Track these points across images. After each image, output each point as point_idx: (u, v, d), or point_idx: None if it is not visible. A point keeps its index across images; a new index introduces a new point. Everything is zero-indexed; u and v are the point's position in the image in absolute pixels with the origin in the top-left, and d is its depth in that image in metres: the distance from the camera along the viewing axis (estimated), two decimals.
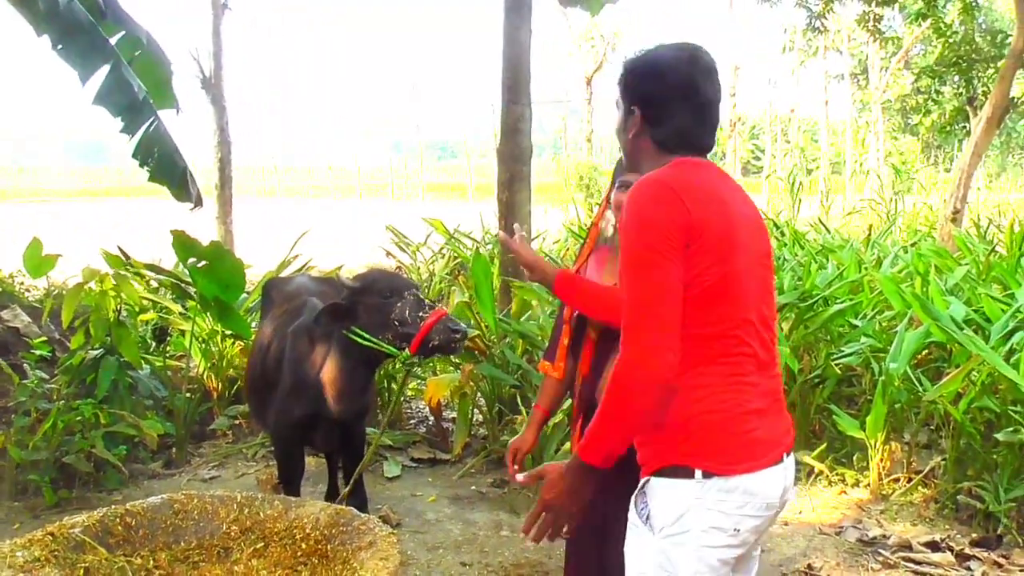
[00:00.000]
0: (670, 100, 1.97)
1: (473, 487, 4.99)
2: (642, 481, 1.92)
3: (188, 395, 5.58)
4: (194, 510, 2.88)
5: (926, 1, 10.49)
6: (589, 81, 19.65)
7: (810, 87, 30.51)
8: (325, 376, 3.44)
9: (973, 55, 10.00)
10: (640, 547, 1.92)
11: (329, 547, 2.77)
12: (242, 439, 5.76)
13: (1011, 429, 4.21)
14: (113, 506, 2.81)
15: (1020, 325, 4.66)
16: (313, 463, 4.78)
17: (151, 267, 5.99)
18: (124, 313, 5.21)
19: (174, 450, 5.36)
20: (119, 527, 2.73)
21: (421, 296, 3.33)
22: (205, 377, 5.86)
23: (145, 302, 5.87)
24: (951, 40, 10.12)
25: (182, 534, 2.84)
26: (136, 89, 4.94)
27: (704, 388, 1.85)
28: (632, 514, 1.94)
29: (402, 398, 4.95)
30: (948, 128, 12.33)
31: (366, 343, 3.28)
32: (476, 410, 5.47)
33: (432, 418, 5.77)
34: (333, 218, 20.93)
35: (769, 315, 1.97)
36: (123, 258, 6.13)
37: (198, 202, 5.40)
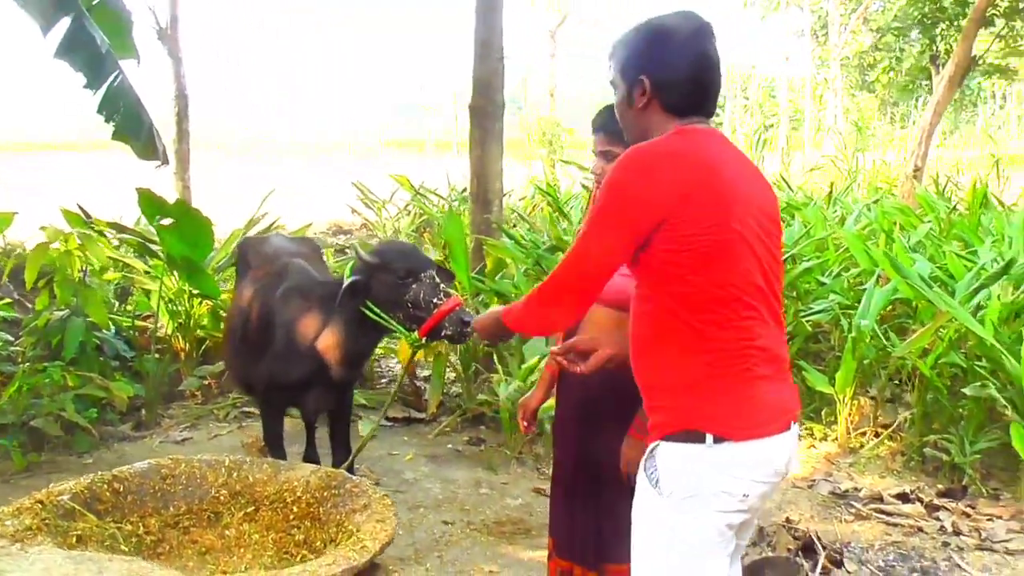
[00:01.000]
0: (679, 64, 1.96)
1: (450, 445, 5.00)
2: (652, 445, 1.92)
3: (156, 356, 5.50)
4: (182, 475, 2.85)
5: None
6: (552, 35, 19.46)
7: (770, 43, 30.50)
8: (327, 340, 3.37)
9: (937, 13, 10.05)
10: (648, 510, 1.93)
11: (321, 510, 2.76)
12: (211, 400, 5.69)
13: (979, 384, 4.31)
14: (100, 472, 2.77)
15: (985, 283, 4.74)
16: (288, 424, 4.75)
17: (114, 225, 5.85)
18: (89, 273, 5.10)
19: (144, 412, 5.29)
20: (107, 493, 2.70)
21: (438, 279, 3.26)
22: (172, 338, 5.77)
23: (108, 261, 5.74)
24: None
25: (171, 499, 2.81)
26: (99, 41, 4.76)
27: (713, 352, 1.86)
28: (641, 477, 1.95)
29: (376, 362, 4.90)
30: (910, 86, 12.43)
31: (376, 318, 3.24)
32: (450, 368, 5.47)
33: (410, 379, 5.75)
34: (292, 175, 20.61)
35: (777, 281, 1.97)
36: (83, 217, 5.98)
37: (164, 159, 5.24)
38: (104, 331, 5.19)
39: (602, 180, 2.55)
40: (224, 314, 5.75)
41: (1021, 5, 10.04)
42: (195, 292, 5.56)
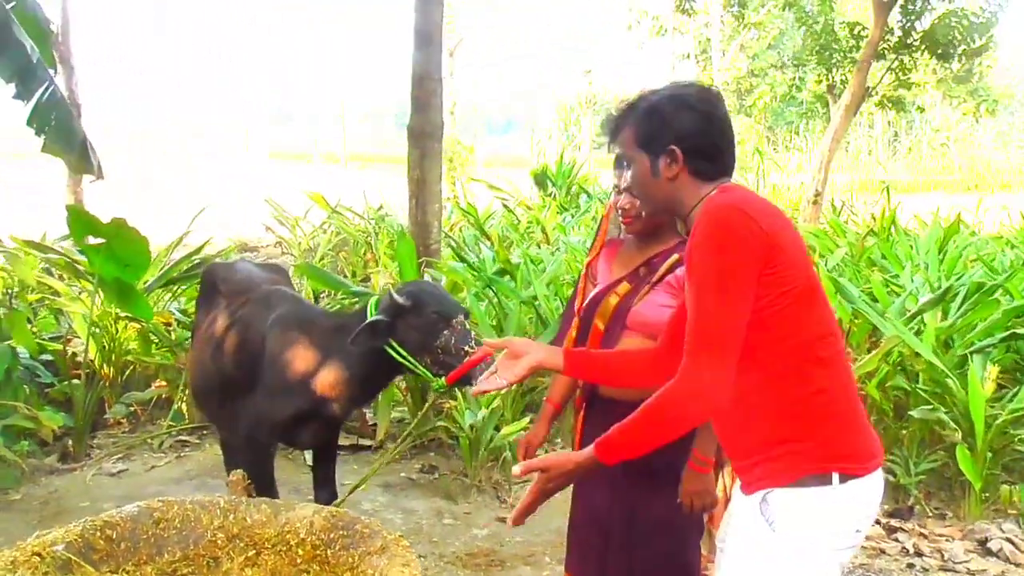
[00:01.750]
0: (703, 130, 1.98)
1: (402, 474, 4.88)
2: (762, 492, 1.89)
3: (79, 382, 5.17)
4: (175, 518, 2.66)
5: None
6: (452, 54, 19.45)
7: (657, 67, 31.36)
8: (331, 376, 3.19)
9: (833, 45, 10.53)
10: (758, 553, 1.90)
11: (329, 553, 2.62)
12: (140, 428, 5.41)
13: (929, 407, 4.49)
14: (90, 518, 2.55)
15: (924, 308, 4.94)
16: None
17: (34, 244, 5.49)
18: (14, 296, 4.76)
19: (71, 442, 4.96)
20: (100, 541, 2.49)
21: (468, 327, 3.15)
22: (97, 363, 5.44)
23: (35, 282, 5.38)
24: (813, 29, 10.63)
25: (164, 544, 2.62)
26: (29, 50, 4.48)
27: (825, 393, 1.86)
28: (748, 522, 1.92)
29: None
30: (807, 112, 12.98)
31: (402, 360, 3.11)
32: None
33: None
34: (180, 183, 19.88)
35: None
36: None
37: (99, 173, 4.96)
38: (28, 356, 4.85)
39: (631, 215, 2.54)
40: (154, 337, 5.51)
41: (909, 40, 10.61)
42: (123, 314, 5.27)
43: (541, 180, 12.91)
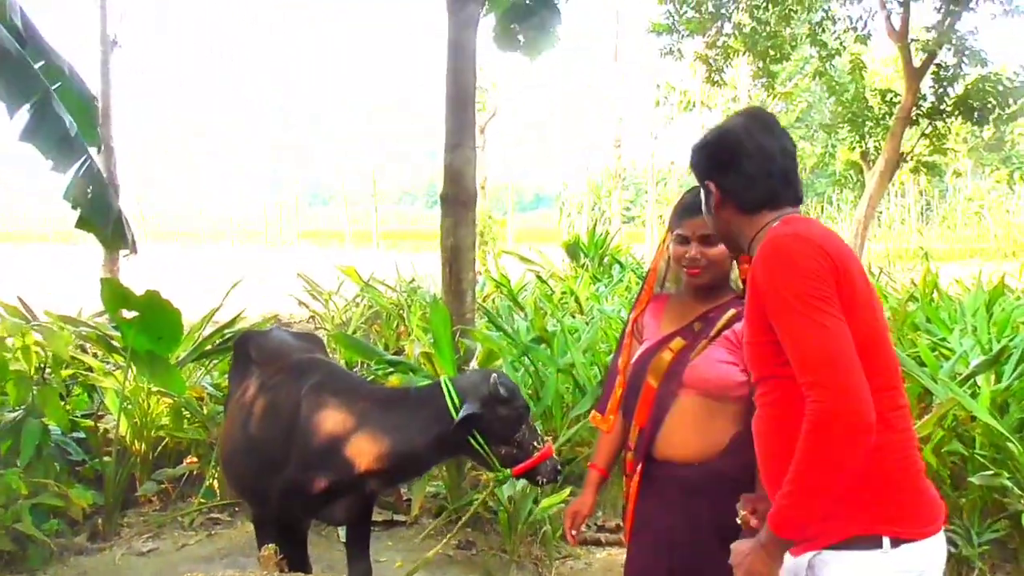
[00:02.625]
0: (734, 162, 1.95)
1: (440, 550, 4.70)
2: (808, 555, 1.75)
3: (109, 459, 5.08)
4: None
5: (821, 59, 11.02)
6: (482, 130, 19.71)
7: (688, 141, 31.52)
8: (376, 449, 3.04)
9: (865, 112, 10.49)
10: None
11: None
12: (170, 506, 5.29)
13: (991, 473, 4.27)
14: None
15: (977, 370, 4.76)
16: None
17: (68, 319, 5.47)
18: (48, 370, 4.72)
19: (100, 520, 4.85)
20: None
21: (533, 422, 3.24)
22: (128, 439, 5.36)
23: (69, 357, 5.34)
24: (844, 98, 10.61)
25: None
26: (68, 124, 4.52)
27: (882, 448, 1.71)
28: None
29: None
30: (842, 180, 12.92)
31: (477, 448, 3.09)
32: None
33: None
34: (212, 264, 20.12)
35: None
36: (23, 311, 5.60)
37: (133, 248, 4.96)
38: (59, 432, 4.78)
39: (699, 265, 2.41)
40: (186, 412, 5.43)
41: (943, 106, 10.55)
42: (155, 389, 5.21)
43: (573, 251, 12.86)
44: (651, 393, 2.44)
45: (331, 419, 3.11)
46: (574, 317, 8.30)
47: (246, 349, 3.70)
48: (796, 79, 27.79)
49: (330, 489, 3.13)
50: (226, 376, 4.67)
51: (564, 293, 9.48)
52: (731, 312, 2.39)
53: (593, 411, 2.70)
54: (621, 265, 12.50)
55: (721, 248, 2.31)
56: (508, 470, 3.14)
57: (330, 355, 4.49)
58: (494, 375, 3.15)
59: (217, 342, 5.80)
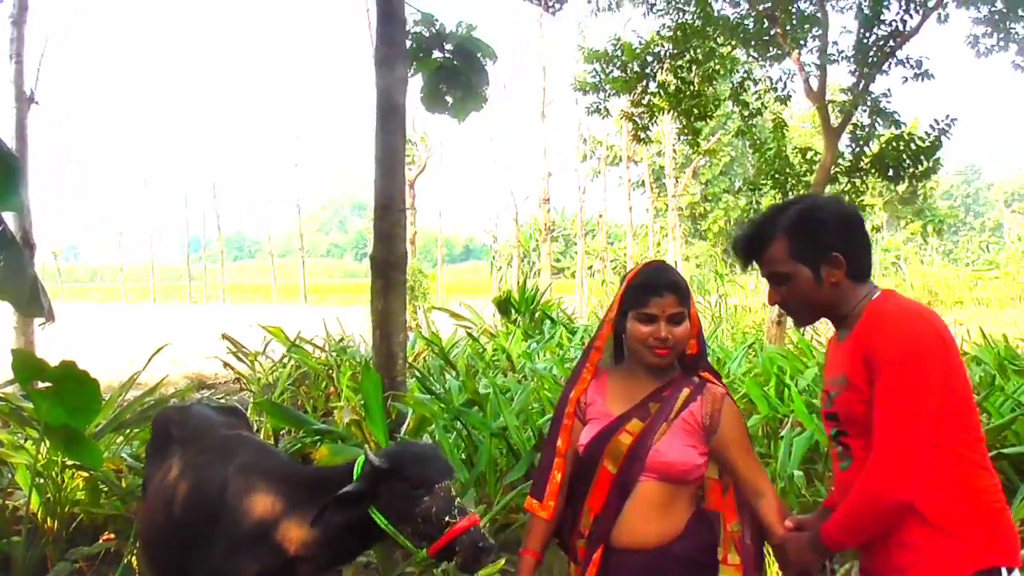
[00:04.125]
0: (856, 235, 2.19)
1: None
2: None
3: (19, 539, 4.81)
4: None
5: (743, 118, 11.32)
6: (412, 184, 19.72)
7: (615, 193, 32.14)
8: (303, 534, 2.88)
9: (787, 169, 10.78)
10: None
11: None
12: None
13: None
14: None
15: None
16: None
17: None
18: None
19: None
20: None
21: (453, 492, 2.83)
22: (40, 516, 5.09)
23: None
24: (767, 155, 10.90)
25: None
26: None
27: (987, 490, 2.03)
28: None
29: None
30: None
31: (385, 527, 2.82)
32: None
33: None
34: (134, 324, 19.58)
35: None
36: None
37: (50, 316, 4.74)
38: None
39: (667, 346, 2.36)
40: (104, 486, 5.19)
41: (860, 164, 10.90)
42: (70, 462, 4.97)
43: (504, 307, 12.85)
44: (608, 478, 2.37)
45: (260, 503, 2.96)
46: (506, 375, 8.26)
47: (166, 427, 3.54)
48: (719, 134, 28.59)
49: (262, 572, 2.97)
50: (146, 447, 4.48)
51: (495, 350, 9.44)
52: (685, 392, 2.37)
53: (528, 497, 2.55)
54: (552, 320, 12.52)
55: (686, 327, 2.36)
56: (423, 551, 2.82)
57: (254, 424, 4.33)
58: (368, 450, 2.92)
59: (138, 410, 5.60)
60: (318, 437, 5.05)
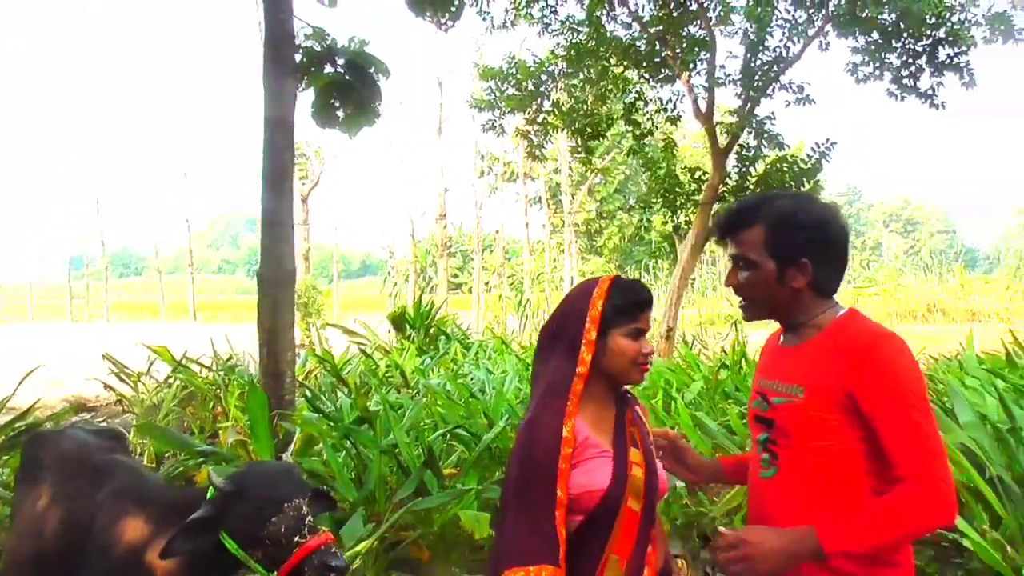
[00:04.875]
0: (833, 247, 2.11)
1: None
2: None
3: None
4: None
5: (635, 137, 11.59)
6: (305, 199, 19.42)
7: (512, 209, 32.39)
8: (168, 562, 2.78)
9: (676, 188, 11.07)
10: None
11: None
12: None
13: None
14: None
15: None
16: None
17: None
18: None
19: None
20: None
21: (304, 511, 2.69)
22: None
23: None
24: (657, 174, 11.17)
25: None
26: None
27: None
28: None
29: None
30: (656, 251, 13.48)
31: (236, 552, 2.68)
32: None
33: None
34: (9, 344, 18.66)
35: None
36: None
37: None
38: None
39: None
40: None
41: (746, 184, 11.28)
42: None
43: (399, 323, 12.76)
44: (635, 519, 2.12)
45: (130, 528, 2.84)
46: (399, 392, 8.19)
47: (36, 452, 3.37)
48: (613, 153, 29.13)
49: None
50: (15, 474, 4.26)
51: (389, 367, 9.35)
52: (637, 408, 2.30)
53: (526, 568, 1.98)
54: (447, 336, 12.49)
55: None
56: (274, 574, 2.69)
57: (137, 447, 4.17)
58: (212, 470, 2.81)
59: (9, 436, 5.34)
60: (202, 459, 4.91)
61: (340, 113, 6.76)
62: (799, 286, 2.10)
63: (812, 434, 2.03)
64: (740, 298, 2.23)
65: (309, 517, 2.68)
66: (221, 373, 8.99)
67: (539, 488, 2.04)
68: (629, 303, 2.19)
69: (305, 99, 6.55)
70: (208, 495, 2.75)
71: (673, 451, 2.44)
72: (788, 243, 2.09)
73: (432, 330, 12.60)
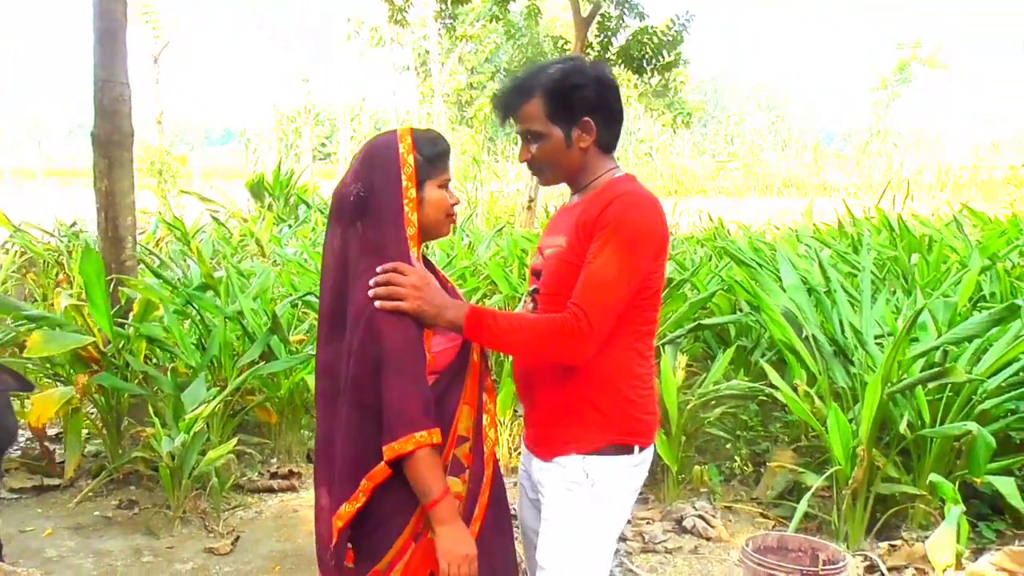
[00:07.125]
0: (609, 102, 2.16)
1: (96, 512, 4.45)
2: (578, 460, 2.12)
3: None
4: None
5: (498, 4, 11.34)
6: (156, 60, 18.31)
7: (380, 77, 31.46)
8: None
9: (539, 57, 10.98)
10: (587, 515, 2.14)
11: None
12: None
13: None
14: None
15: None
16: None
17: None
18: None
19: None
20: None
21: None
22: None
23: None
24: (520, 42, 11.03)
25: None
26: None
27: (641, 379, 2.15)
28: (574, 486, 2.12)
29: None
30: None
31: None
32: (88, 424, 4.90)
33: (35, 440, 5.03)
34: None
35: None
36: None
37: None
38: None
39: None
40: None
41: (607, 55, 11.30)
42: None
43: (257, 191, 12.46)
44: (476, 369, 2.19)
45: None
46: (254, 260, 8.08)
47: None
48: (483, 21, 28.47)
49: None
50: None
51: (244, 236, 9.18)
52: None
53: (403, 438, 1.94)
54: (308, 205, 12.30)
55: None
56: None
57: None
58: None
59: None
60: (34, 324, 4.76)
61: None
62: (586, 145, 2.14)
63: (568, 281, 2.06)
64: (535, 169, 2.26)
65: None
66: (64, 240, 8.65)
67: (414, 352, 2.00)
68: (438, 153, 2.11)
69: None
70: None
71: None
72: (568, 106, 2.11)
73: (292, 199, 12.37)
